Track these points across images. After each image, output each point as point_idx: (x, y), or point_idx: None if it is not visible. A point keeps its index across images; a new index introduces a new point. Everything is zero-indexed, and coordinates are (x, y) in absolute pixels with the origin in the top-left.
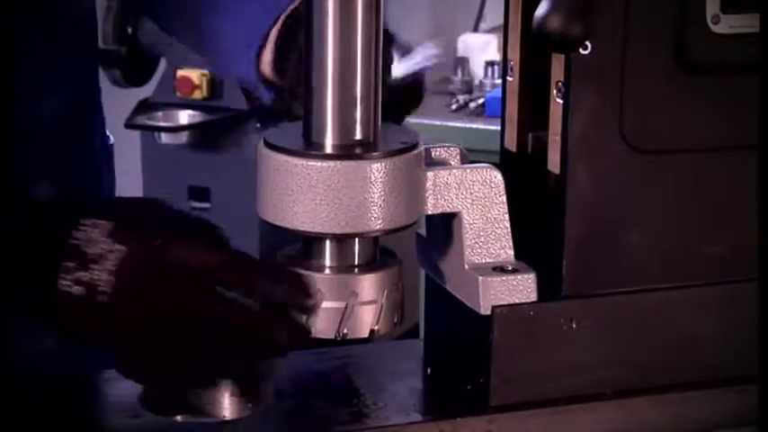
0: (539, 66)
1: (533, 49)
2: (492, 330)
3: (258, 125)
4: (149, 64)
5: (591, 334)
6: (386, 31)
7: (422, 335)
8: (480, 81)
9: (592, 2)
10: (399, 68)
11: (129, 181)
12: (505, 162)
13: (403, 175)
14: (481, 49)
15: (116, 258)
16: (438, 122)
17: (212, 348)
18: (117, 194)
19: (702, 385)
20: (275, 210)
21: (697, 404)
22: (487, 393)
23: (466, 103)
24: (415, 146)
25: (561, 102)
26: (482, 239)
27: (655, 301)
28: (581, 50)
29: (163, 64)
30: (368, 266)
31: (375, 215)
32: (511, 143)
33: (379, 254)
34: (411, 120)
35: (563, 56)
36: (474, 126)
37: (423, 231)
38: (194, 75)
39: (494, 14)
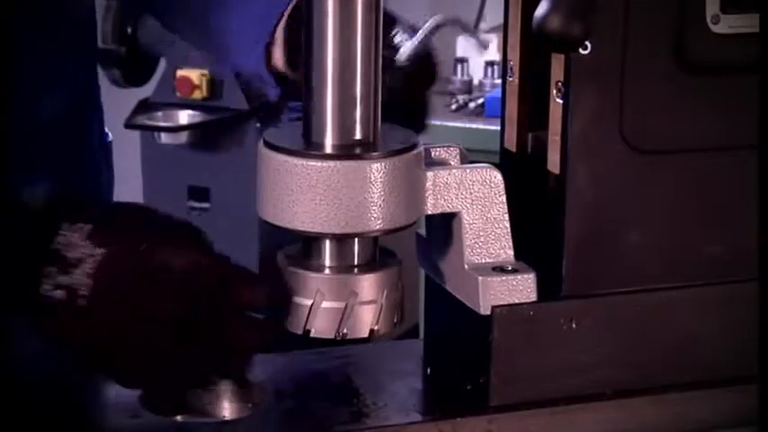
0: (539, 66)
1: (533, 49)
2: (492, 330)
3: (258, 125)
4: (149, 64)
5: (591, 334)
6: (388, 14)
7: (422, 335)
8: (480, 81)
9: (592, 2)
10: (407, 49)
11: (128, 181)
12: (505, 162)
13: (403, 175)
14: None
15: (95, 262)
16: (438, 122)
17: (190, 350)
18: (116, 193)
19: (702, 385)
20: (275, 210)
21: (697, 404)
22: (487, 393)
23: (465, 103)
24: (414, 146)
25: (561, 102)
26: (482, 239)
27: (655, 301)
28: (581, 50)
29: (162, 64)
30: (368, 266)
31: (375, 215)
32: (511, 143)
33: (378, 254)
34: None
35: (563, 56)
36: (474, 126)
37: (422, 231)
38: (194, 75)
39: (494, 14)
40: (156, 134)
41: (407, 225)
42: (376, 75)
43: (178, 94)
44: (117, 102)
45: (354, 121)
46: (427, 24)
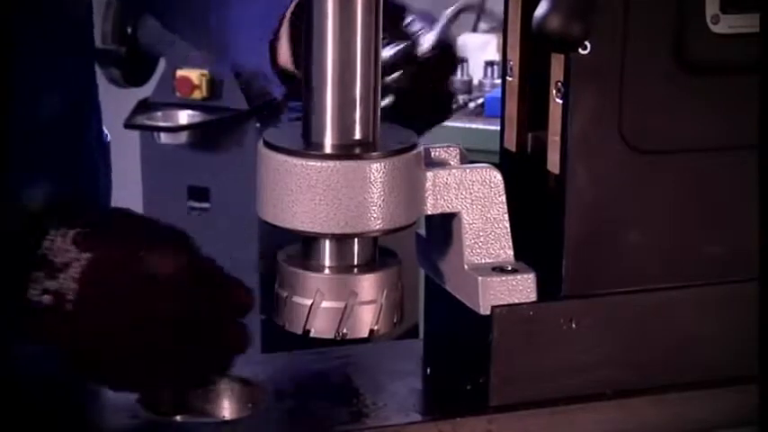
0: (538, 66)
1: (533, 49)
2: (491, 330)
3: (258, 125)
4: (149, 64)
5: (591, 334)
6: (397, 5)
7: (421, 335)
8: (480, 81)
9: (592, 2)
10: (431, 37)
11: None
12: (505, 162)
13: (402, 176)
14: (481, 49)
15: (81, 266)
16: None
17: (176, 352)
18: (116, 194)
19: (702, 385)
20: (275, 210)
21: (697, 404)
22: (487, 393)
23: (465, 103)
24: (414, 146)
25: (561, 102)
26: (482, 239)
27: (655, 301)
28: (581, 50)
29: (162, 64)
30: (367, 266)
31: (374, 215)
32: (510, 143)
33: (378, 254)
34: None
35: (563, 56)
36: (473, 126)
37: (422, 231)
38: (194, 75)
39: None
40: (155, 134)
41: (407, 225)
42: (376, 75)
43: (178, 94)
44: (116, 101)
45: (354, 121)
46: (449, 11)
